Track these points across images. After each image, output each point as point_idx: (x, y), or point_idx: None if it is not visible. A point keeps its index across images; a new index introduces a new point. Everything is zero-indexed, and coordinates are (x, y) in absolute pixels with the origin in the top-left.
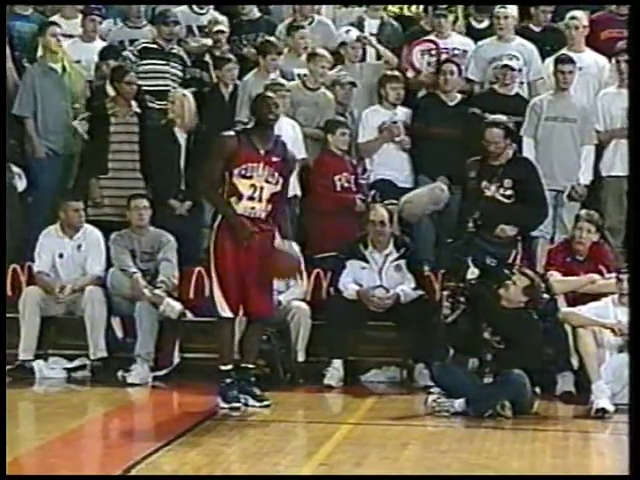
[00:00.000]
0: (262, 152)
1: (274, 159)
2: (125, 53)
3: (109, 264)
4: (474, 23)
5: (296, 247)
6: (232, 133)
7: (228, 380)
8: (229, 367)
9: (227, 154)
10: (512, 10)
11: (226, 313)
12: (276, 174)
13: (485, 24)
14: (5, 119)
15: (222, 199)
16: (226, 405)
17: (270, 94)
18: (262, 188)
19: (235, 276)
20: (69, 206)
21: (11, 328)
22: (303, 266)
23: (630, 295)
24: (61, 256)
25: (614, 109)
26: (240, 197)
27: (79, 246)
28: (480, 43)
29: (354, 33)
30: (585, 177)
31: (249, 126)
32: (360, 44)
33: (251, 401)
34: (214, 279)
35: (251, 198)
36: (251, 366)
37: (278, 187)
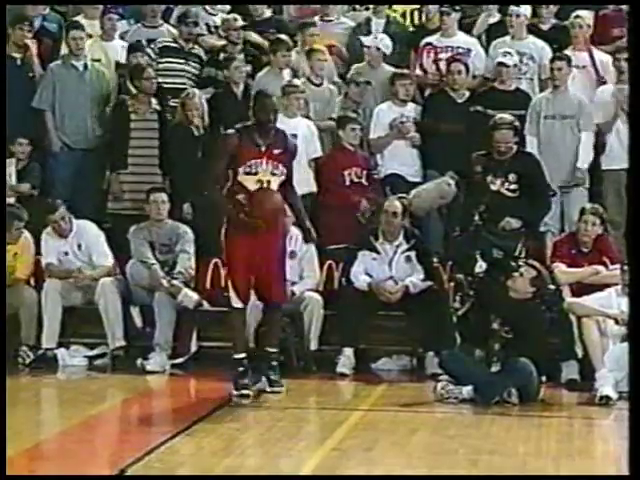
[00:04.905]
0: (263, 148)
1: (275, 152)
2: (146, 51)
3: (119, 255)
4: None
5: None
6: (233, 131)
7: (241, 368)
8: (241, 355)
9: (230, 152)
10: (525, 9)
11: (236, 303)
12: (280, 166)
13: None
14: (5, 118)
15: (223, 199)
16: (236, 392)
17: (268, 95)
18: (269, 181)
19: (245, 267)
20: (49, 219)
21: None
22: (317, 259)
23: (630, 286)
24: (66, 254)
25: (611, 102)
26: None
27: (79, 245)
28: (494, 42)
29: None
30: (583, 161)
31: (249, 123)
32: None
33: (267, 387)
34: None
35: None
36: (273, 350)
37: (283, 177)
